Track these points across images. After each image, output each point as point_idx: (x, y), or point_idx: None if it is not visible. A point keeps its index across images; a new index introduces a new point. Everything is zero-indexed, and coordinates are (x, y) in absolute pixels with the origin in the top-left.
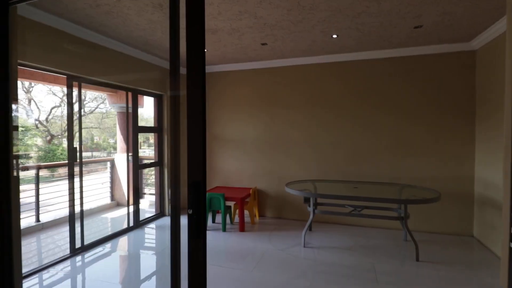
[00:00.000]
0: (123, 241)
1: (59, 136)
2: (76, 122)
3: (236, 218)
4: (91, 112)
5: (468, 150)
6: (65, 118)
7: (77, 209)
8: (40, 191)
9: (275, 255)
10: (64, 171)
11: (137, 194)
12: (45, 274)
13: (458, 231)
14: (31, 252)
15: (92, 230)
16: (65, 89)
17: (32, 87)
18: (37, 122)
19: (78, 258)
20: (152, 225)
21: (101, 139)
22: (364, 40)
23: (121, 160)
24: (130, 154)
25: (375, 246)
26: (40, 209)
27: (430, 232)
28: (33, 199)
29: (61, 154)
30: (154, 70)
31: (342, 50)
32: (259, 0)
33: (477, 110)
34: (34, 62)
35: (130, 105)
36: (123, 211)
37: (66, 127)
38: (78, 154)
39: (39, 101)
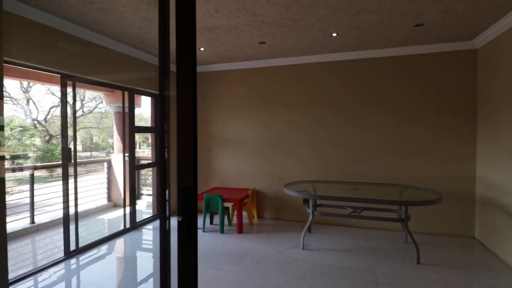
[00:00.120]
0: (119, 243)
1: (58, 136)
2: (71, 122)
3: (234, 220)
4: (90, 112)
5: (469, 150)
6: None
7: (72, 210)
8: (36, 192)
9: (274, 257)
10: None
11: (134, 195)
12: (37, 278)
13: (459, 233)
14: (23, 255)
15: (88, 232)
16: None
17: (31, 86)
18: (35, 122)
19: (73, 261)
20: (150, 226)
21: (100, 139)
22: (364, 39)
23: (118, 160)
24: (126, 154)
25: (375, 248)
26: (35, 210)
27: (430, 233)
28: (28, 200)
29: (60, 154)
30: (151, 69)
31: (342, 49)
32: None
33: (478, 110)
34: (26, 60)
35: (126, 104)
36: (119, 212)
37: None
38: (72, 154)
39: (37, 101)
